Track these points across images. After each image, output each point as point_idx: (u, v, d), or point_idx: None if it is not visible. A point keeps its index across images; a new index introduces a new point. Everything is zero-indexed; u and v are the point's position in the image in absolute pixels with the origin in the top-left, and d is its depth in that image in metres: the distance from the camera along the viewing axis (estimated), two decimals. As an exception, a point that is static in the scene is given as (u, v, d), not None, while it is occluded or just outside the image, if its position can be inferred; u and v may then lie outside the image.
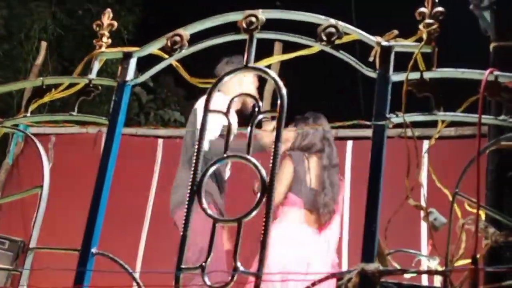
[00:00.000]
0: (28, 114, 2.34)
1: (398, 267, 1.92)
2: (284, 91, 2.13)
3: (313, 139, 4.51)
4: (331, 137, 4.67)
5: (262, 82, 5.95)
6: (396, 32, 2.09)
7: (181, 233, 2.08)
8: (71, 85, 2.49)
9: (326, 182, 4.40)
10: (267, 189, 2.01)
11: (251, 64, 2.21)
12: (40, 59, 7.28)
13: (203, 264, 2.03)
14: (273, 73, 2.18)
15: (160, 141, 6.36)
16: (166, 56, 2.34)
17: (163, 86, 12.45)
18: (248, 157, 2.09)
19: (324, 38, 2.15)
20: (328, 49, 2.15)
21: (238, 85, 4.27)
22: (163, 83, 12.32)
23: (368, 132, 5.51)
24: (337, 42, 2.14)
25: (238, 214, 2.05)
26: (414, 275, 1.92)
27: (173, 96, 12.73)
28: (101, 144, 6.36)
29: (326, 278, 1.91)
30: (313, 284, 1.89)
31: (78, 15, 10.69)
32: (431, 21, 2.03)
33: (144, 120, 11.66)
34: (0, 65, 10.25)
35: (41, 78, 2.36)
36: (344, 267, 5.18)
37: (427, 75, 2.02)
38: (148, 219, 6.02)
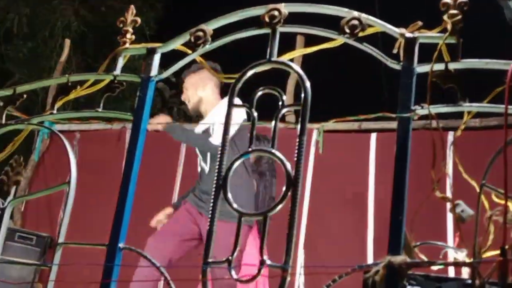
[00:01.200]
0: (55, 111, 2.37)
1: (425, 259, 1.91)
2: (308, 84, 2.13)
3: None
4: None
5: (285, 75, 5.96)
6: (420, 23, 2.07)
7: (208, 228, 2.09)
8: (95, 82, 2.51)
9: None
10: (293, 183, 2.01)
11: (274, 58, 2.21)
12: (64, 57, 7.35)
13: (230, 258, 2.04)
14: (297, 67, 2.18)
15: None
16: (190, 52, 2.35)
17: (186, 81, 12.48)
18: (273, 151, 2.10)
19: (348, 30, 2.14)
20: (351, 41, 2.15)
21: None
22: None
23: (392, 124, 5.52)
24: (361, 34, 2.14)
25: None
26: (442, 267, 1.92)
27: (197, 90, 12.73)
28: (126, 139, 6.45)
29: (353, 271, 1.91)
30: (340, 276, 1.89)
31: (101, 12, 10.75)
32: (455, 11, 2.02)
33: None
34: (25, 63, 10.34)
35: (67, 75, 2.38)
36: (370, 261, 5.17)
37: (452, 66, 2.01)
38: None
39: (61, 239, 2.18)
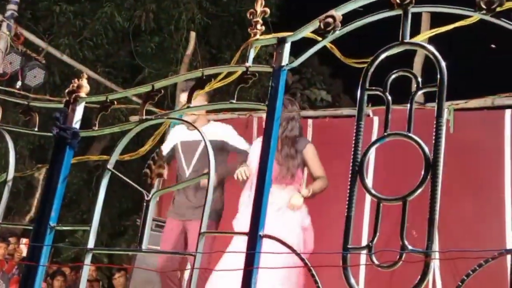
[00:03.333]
0: (191, 105, 2.44)
1: None
2: (443, 64, 2.08)
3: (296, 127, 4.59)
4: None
5: (411, 57, 5.84)
6: None
7: (346, 213, 2.10)
8: (227, 75, 2.57)
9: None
10: (432, 166, 1.98)
11: (407, 39, 2.17)
12: (190, 49, 7.56)
13: (370, 244, 2.04)
14: (431, 47, 2.13)
15: (310, 121, 6.42)
16: (319, 39, 2.34)
17: (308, 66, 12.46)
18: (410, 135, 2.07)
19: (484, 6, 2.06)
20: (488, 18, 2.07)
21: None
22: (307, 63, 12.35)
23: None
24: (498, 9, 2.05)
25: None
26: None
27: (318, 75, 12.71)
28: (252, 127, 6.55)
29: (500, 255, 1.85)
30: (487, 261, 1.84)
31: (223, 3, 10.93)
32: None
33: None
34: (153, 58, 10.72)
35: (201, 69, 2.43)
36: (509, 246, 4.97)
37: None
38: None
39: (203, 229, 2.25)
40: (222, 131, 4.81)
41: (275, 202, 4.17)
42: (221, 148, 4.65)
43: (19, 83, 6.88)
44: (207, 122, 4.87)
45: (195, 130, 4.36)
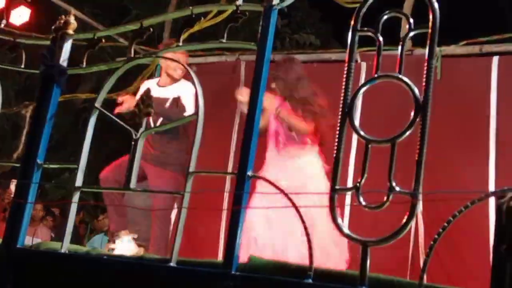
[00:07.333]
0: (180, 44, 2.41)
1: None
2: (436, 5, 2.07)
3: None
4: None
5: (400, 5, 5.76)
6: None
7: (334, 155, 2.11)
8: (217, 14, 2.53)
9: None
10: (422, 108, 1.98)
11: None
12: (178, -10, 7.42)
13: (358, 184, 2.05)
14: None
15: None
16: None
17: (298, 9, 12.25)
18: (400, 76, 2.06)
19: None
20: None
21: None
22: (297, 6, 12.13)
23: (516, 46, 5.23)
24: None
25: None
26: None
27: (308, 19, 12.52)
28: (241, 71, 6.48)
29: (486, 196, 1.87)
30: (473, 202, 1.86)
31: None
32: None
33: (279, 45, 11.56)
34: (140, -1, 10.55)
35: (191, 7, 2.40)
36: (491, 188, 5.02)
37: None
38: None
39: (191, 168, 2.25)
40: (184, 88, 4.68)
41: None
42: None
43: (3, 22, 6.75)
44: (178, 80, 4.74)
45: (165, 88, 4.52)
